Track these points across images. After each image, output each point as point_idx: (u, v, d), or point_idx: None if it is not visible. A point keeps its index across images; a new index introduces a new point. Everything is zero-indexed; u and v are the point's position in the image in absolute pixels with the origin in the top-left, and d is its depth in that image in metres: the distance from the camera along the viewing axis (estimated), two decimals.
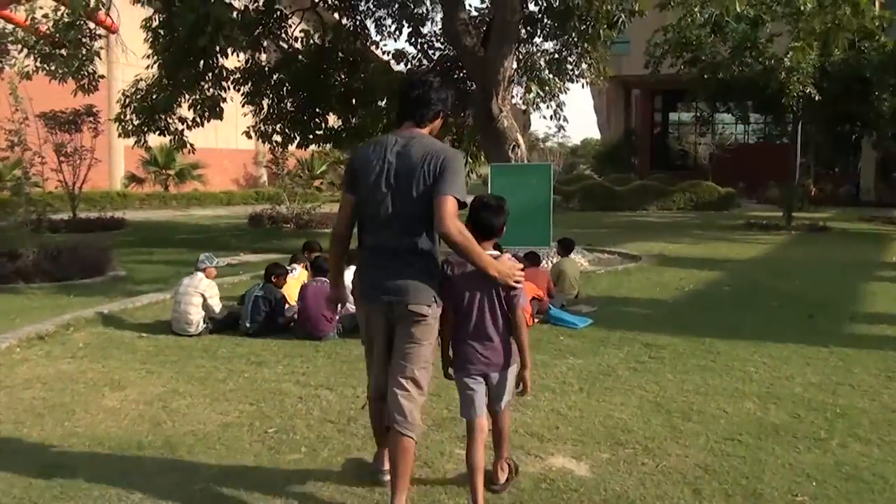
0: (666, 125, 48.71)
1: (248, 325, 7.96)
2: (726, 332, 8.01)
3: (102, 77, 14.87)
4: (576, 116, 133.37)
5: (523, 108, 15.82)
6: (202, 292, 8.06)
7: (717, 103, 23.15)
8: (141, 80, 16.06)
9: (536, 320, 8.48)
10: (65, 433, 5.09)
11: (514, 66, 16.28)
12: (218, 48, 15.05)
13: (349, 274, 4.83)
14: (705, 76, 20.29)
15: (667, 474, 4.39)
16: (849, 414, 5.45)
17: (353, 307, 7.35)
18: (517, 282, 3.85)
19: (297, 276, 8.81)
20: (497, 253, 4.02)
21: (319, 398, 5.79)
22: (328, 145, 18.75)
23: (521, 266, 3.95)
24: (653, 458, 4.64)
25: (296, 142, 18.16)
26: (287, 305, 8.24)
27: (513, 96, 16.75)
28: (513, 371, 4.11)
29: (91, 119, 19.96)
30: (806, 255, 15.12)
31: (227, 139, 31.44)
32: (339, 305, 4.66)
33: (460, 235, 3.62)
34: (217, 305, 8.20)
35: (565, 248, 10.09)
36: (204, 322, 8.05)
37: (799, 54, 11.61)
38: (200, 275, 8.24)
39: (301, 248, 10.06)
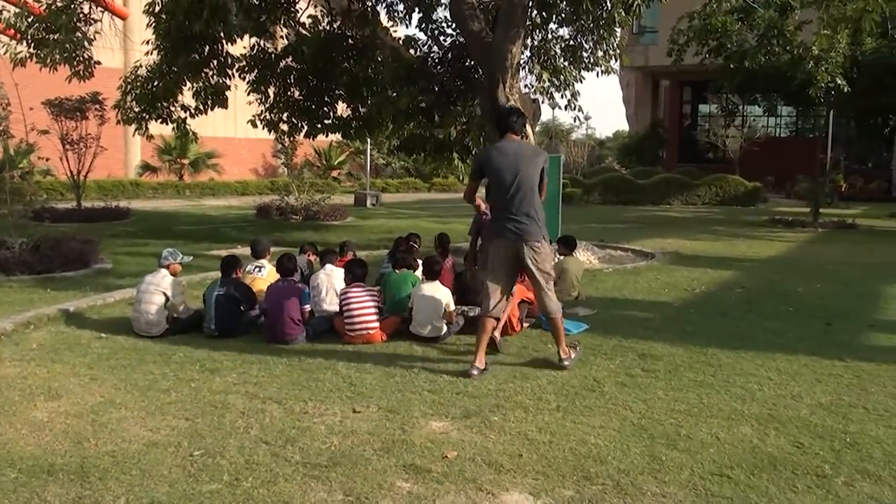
0: (695, 117, 47.66)
1: (212, 326, 7.40)
2: (732, 341, 7.32)
3: (98, 63, 14.34)
4: (606, 108, 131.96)
5: (534, 96, 15.07)
6: (164, 290, 7.51)
7: (745, 94, 22.18)
8: (141, 66, 15.56)
9: (527, 324, 7.85)
10: None
11: (527, 53, 15.63)
12: (222, 33, 14.63)
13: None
14: (731, 65, 19.39)
15: None
16: (860, 443, 4.77)
17: (327, 309, 6.87)
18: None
19: (266, 276, 8.20)
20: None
21: (263, 413, 5.21)
22: (339, 135, 18.11)
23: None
24: (623, 497, 4.00)
25: (303, 131, 17.61)
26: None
27: (525, 85, 16.08)
28: None
29: (97, 107, 19.51)
30: (830, 255, 14.30)
31: (247, 128, 30.93)
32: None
33: None
34: (181, 304, 7.64)
35: (567, 245, 9.42)
36: (167, 322, 7.50)
37: (823, 40, 10.82)
38: (164, 272, 7.68)
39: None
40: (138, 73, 15.61)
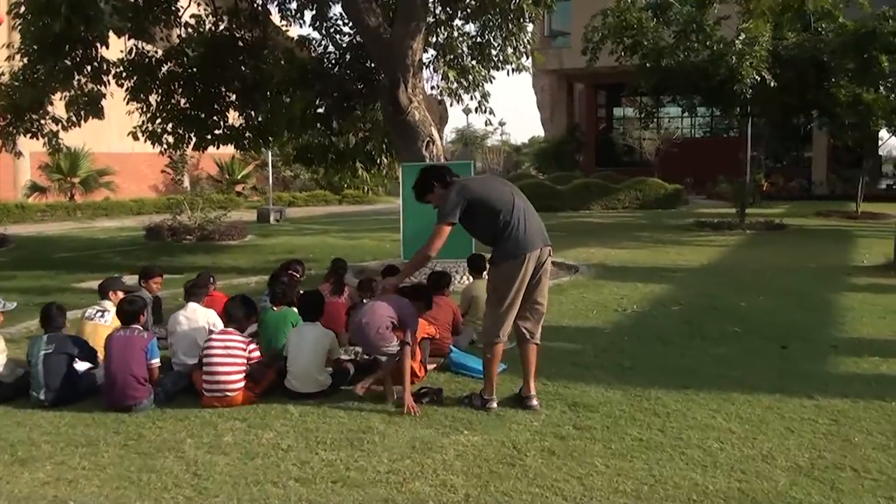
0: (611, 120, 47.25)
1: (40, 396, 5.79)
2: (678, 377, 6.10)
3: None
4: (520, 114, 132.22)
5: (440, 98, 13.80)
6: None
7: (662, 95, 21.35)
8: (3, 73, 13.74)
9: (434, 366, 6.50)
10: None
11: (432, 51, 14.37)
12: (91, 35, 13.02)
13: None
14: (647, 64, 18.44)
15: None
16: None
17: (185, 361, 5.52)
18: None
19: (111, 323, 6.58)
20: None
21: None
22: (230, 146, 16.49)
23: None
24: None
25: (192, 143, 15.96)
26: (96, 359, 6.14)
27: (432, 87, 14.80)
28: None
29: None
30: (766, 260, 13.34)
31: (146, 144, 29.02)
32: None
33: None
34: (2, 365, 6.04)
35: (476, 267, 8.07)
36: None
37: (761, 25, 9.73)
38: None
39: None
40: (0, 80, 13.80)
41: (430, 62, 14.61)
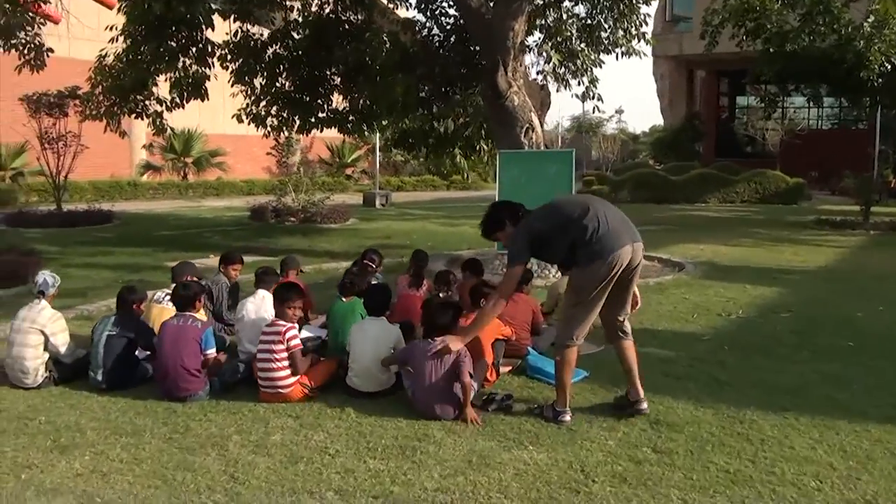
0: (733, 109, 45.43)
1: (98, 377, 5.67)
2: (779, 397, 5.44)
3: (51, 51, 12.78)
4: (640, 102, 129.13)
5: (542, 83, 13.22)
6: (42, 328, 5.81)
7: (786, 82, 20.06)
8: (107, 55, 13.96)
9: (508, 368, 6.05)
10: None
11: (538, 34, 13.82)
12: (199, 17, 13.09)
13: None
14: (770, 49, 17.29)
15: None
16: None
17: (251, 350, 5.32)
18: None
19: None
20: None
21: None
22: (334, 129, 16.38)
23: None
24: None
25: (295, 126, 15.94)
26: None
27: (538, 72, 14.26)
28: None
29: (77, 102, 18.00)
30: (889, 265, 12.19)
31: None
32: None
33: None
34: (63, 345, 5.93)
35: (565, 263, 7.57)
36: (47, 369, 5.80)
37: (892, 7, 8.80)
38: (43, 303, 5.97)
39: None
40: (104, 62, 14.02)
41: (536, 45, 14.11)
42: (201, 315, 6.48)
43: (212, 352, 5.60)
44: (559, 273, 7.73)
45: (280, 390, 5.30)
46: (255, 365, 5.49)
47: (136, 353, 5.93)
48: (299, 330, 6.57)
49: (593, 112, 21.21)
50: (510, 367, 6.06)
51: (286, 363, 5.30)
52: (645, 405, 5.04)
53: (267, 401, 5.32)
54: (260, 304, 6.31)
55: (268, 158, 34.65)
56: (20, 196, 23.23)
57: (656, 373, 5.97)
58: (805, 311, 8.44)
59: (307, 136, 17.12)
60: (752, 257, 12.93)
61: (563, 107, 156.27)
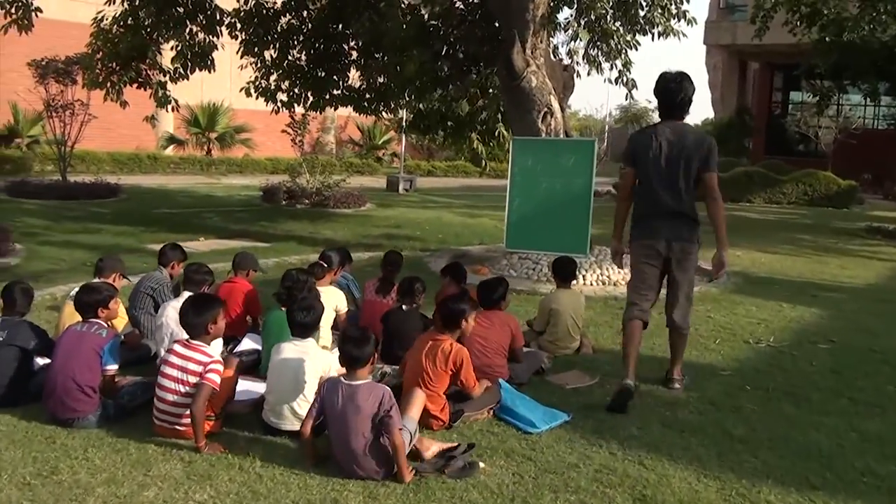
0: (786, 105, 43.48)
1: None
2: (805, 465, 4.28)
3: (39, 11, 11.88)
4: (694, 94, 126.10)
5: (565, 64, 12.00)
6: None
7: (841, 76, 18.57)
8: (105, 18, 13.06)
9: (484, 416, 4.93)
10: None
11: (568, 10, 12.63)
12: None
13: None
14: (826, 38, 15.84)
15: None
16: None
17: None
18: None
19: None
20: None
21: None
22: (349, 107, 15.36)
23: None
24: None
25: (308, 103, 14.98)
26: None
27: (568, 52, 13.08)
28: None
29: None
30: None
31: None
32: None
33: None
34: None
35: (561, 274, 6.42)
36: None
37: None
38: None
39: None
40: (101, 25, 13.12)
41: (567, 23, 12.93)
42: (119, 322, 5.52)
43: (112, 368, 4.60)
44: (555, 287, 6.58)
45: (177, 427, 4.26)
46: (155, 388, 4.45)
47: (36, 360, 4.97)
48: (238, 342, 5.60)
49: (625, 99, 19.85)
50: (486, 413, 4.87)
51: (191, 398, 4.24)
52: (678, 386, 5.46)
53: (162, 435, 4.30)
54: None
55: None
56: (34, 165, 22.62)
57: (654, 421, 4.84)
58: (848, 341, 7.18)
59: (320, 113, 16.12)
60: (792, 268, 11.63)
61: (612, 96, 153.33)
